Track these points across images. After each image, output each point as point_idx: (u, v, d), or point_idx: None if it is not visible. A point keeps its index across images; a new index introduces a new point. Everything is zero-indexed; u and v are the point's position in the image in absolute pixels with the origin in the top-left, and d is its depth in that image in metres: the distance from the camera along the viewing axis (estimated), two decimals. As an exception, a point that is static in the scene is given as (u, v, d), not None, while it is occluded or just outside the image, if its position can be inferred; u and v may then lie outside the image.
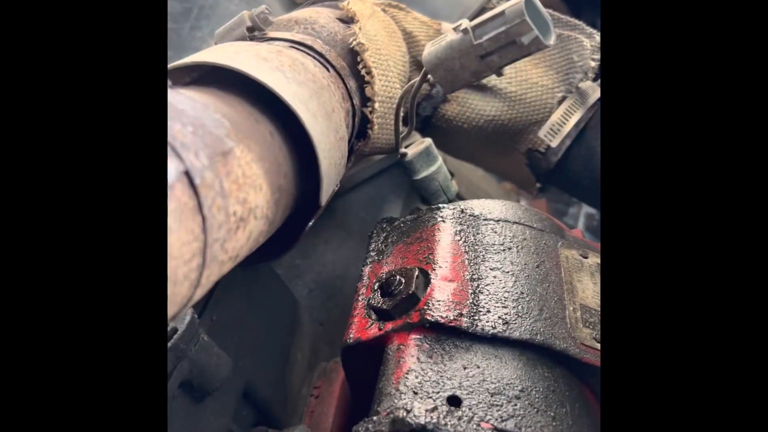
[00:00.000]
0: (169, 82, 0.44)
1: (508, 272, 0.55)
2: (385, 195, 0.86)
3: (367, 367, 0.52)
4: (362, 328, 0.53)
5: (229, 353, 0.52)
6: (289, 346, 0.67)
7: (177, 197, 0.30)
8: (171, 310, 0.32)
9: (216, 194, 0.33)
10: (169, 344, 0.46)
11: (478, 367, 0.47)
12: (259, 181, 0.37)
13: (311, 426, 0.61)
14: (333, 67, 0.60)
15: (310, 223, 0.48)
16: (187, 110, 0.34)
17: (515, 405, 0.45)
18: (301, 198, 0.46)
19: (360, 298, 0.56)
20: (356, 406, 0.60)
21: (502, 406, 0.45)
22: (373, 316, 0.53)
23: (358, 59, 0.63)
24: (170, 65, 0.42)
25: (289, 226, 0.48)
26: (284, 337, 0.67)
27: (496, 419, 0.44)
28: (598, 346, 0.51)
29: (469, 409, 0.44)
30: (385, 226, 0.65)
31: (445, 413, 0.43)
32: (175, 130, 0.31)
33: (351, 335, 0.53)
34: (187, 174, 0.31)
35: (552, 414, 0.46)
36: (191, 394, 0.49)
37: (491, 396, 0.45)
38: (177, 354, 0.46)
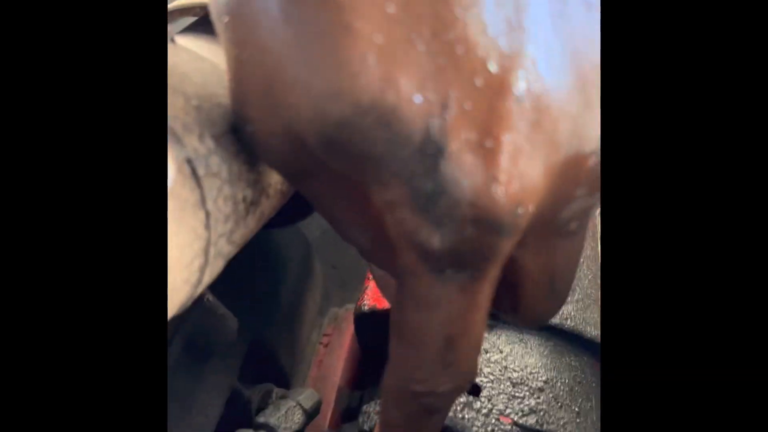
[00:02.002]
0: (169, 28, 0.38)
1: (540, 244, 0.50)
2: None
3: (381, 335, 0.49)
4: (378, 296, 0.50)
5: (235, 307, 0.49)
6: (300, 291, 0.64)
7: (177, 194, 0.25)
8: (169, 314, 0.28)
9: (223, 183, 0.28)
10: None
11: (501, 352, 0.44)
12: (274, 155, 0.32)
13: (319, 377, 0.60)
14: None
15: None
16: (192, 75, 0.29)
17: (538, 398, 0.42)
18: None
19: (377, 259, 0.52)
20: (367, 363, 0.58)
21: (524, 398, 0.42)
22: (391, 282, 0.50)
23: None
24: (170, 6, 0.36)
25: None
26: (295, 281, 0.64)
27: (517, 413, 0.41)
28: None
29: (489, 400, 0.41)
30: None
31: (462, 405, 0.40)
32: (176, 107, 0.26)
33: (366, 302, 0.50)
34: (189, 162, 0.26)
35: (576, 409, 0.43)
36: (195, 355, 0.47)
37: (513, 386, 0.42)
38: (179, 317, 0.43)
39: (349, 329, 0.64)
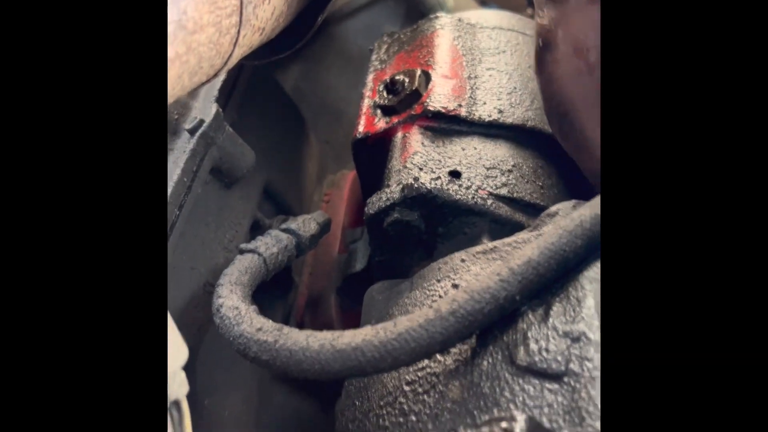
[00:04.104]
0: None
1: (502, 71, 0.59)
2: (382, 24, 0.88)
3: (376, 163, 0.58)
4: (370, 123, 0.58)
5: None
6: (300, 156, 0.73)
7: (216, -46, 0.33)
8: (217, 61, 0.37)
9: (247, -41, 0.36)
10: (198, 132, 0.51)
11: (476, 149, 0.54)
12: (280, -41, 0.41)
13: (325, 223, 0.68)
14: None
15: (322, 16, 0.51)
16: None
17: (508, 176, 0.52)
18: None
19: (366, 101, 0.61)
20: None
21: (496, 177, 0.51)
22: (380, 113, 0.59)
23: None
24: None
25: (302, 23, 0.51)
26: (296, 148, 0.73)
27: (492, 187, 0.51)
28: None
29: (468, 179, 0.51)
30: (386, 39, 0.68)
31: (447, 182, 0.50)
32: None
33: (360, 130, 0.58)
34: (222, -66, 0.34)
35: (540, 184, 0.52)
36: (220, 180, 0.55)
37: (487, 170, 0.52)
38: (206, 141, 0.51)
39: (347, 186, 0.73)
